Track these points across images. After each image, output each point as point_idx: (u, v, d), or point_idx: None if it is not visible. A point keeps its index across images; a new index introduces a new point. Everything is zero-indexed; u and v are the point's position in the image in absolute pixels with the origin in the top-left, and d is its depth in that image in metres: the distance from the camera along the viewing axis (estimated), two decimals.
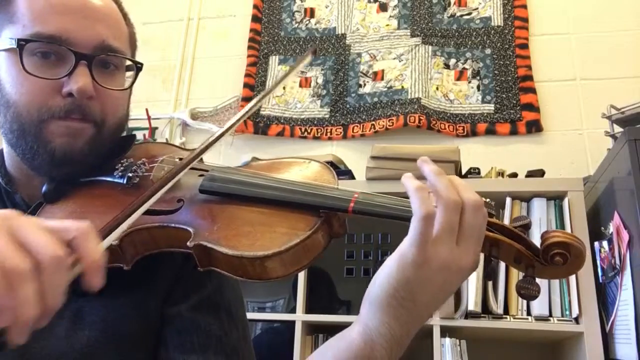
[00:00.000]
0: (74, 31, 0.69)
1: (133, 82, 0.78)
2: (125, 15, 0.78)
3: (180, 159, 0.77)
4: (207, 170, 0.72)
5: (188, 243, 0.62)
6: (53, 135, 0.69)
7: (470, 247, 0.57)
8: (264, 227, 0.62)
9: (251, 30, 2.67)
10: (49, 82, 0.68)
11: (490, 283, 1.67)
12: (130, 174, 0.73)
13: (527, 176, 1.90)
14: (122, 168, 0.74)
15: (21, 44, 0.67)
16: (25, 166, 0.73)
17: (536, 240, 0.62)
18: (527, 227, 0.62)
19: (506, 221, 1.73)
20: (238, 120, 0.73)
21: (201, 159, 0.75)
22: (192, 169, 0.71)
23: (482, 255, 0.61)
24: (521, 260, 0.61)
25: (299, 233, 0.60)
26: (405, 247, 0.56)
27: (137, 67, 0.77)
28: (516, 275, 1.67)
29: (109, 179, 0.74)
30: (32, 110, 0.68)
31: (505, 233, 0.61)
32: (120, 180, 0.73)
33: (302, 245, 0.60)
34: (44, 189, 0.72)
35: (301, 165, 0.73)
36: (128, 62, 0.77)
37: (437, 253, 0.55)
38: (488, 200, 0.61)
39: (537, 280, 0.61)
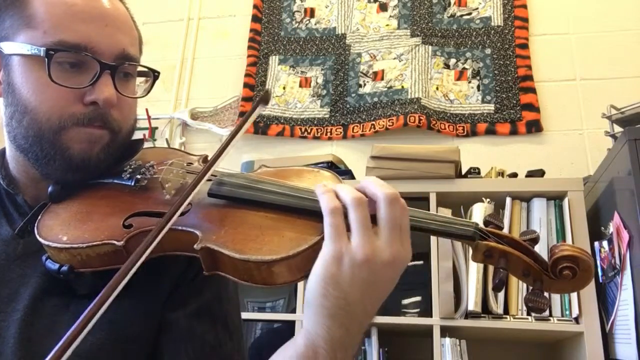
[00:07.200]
0: (98, 40, 0.69)
1: (149, 90, 0.79)
2: (133, 20, 0.78)
3: (189, 164, 0.77)
4: (215, 175, 0.71)
5: (195, 246, 0.62)
6: (72, 141, 0.69)
7: (393, 240, 0.57)
8: (271, 231, 0.62)
9: (251, 30, 2.67)
10: (72, 90, 0.68)
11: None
12: (138, 176, 0.73)
13: (527, 176, 1.89)
14: (130, 170, 0.75)
15: (50, 53, 0.66)
16: (34, 170, 0.73)
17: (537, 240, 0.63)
18: (535, 241, 0.62)
19: (506, 221, 1.74)
20: (235, 134, 0.70)
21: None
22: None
23: (490, 267, 0.61)
24: (530, 274, 0.61)
25: (308, 239, 0.60)
26: (324, 244, 0.57)
27: (155, 76, 0.78)
28: None
29: (116, 180, 0.74)
30: (53, 117, 0.68)
31: (514, 245, 0.61)
32: (128, 183, 0.73)
33: (310, 251, 0.59)
34: (50, 189, 0.72)
35: (309, 173, 0.73)
36: (140, 68, 0.77)
37: (355, 246, 0.56)
38: (494, 213, 0.62)
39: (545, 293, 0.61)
